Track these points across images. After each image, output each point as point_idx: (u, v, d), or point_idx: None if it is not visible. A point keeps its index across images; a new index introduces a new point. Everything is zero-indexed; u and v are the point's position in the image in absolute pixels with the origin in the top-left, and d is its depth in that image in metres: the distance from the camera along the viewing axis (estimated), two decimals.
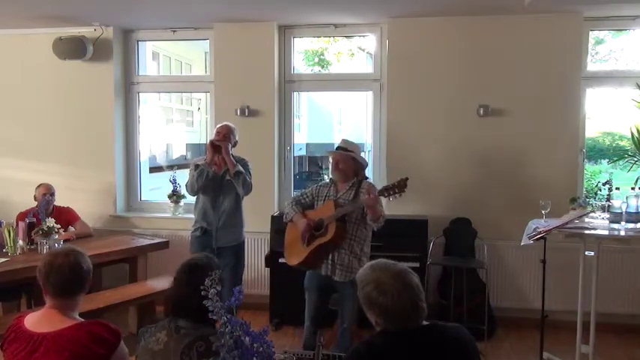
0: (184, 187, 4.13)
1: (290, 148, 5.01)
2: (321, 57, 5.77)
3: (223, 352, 1.42)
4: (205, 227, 3.87)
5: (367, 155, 4.80)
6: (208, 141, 3.93)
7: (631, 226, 3.41)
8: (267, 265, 4.50)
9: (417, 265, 4.04)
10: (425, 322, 1.76)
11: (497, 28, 4.45)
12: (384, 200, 3.29)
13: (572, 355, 3.57)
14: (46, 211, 4.15)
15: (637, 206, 3.44)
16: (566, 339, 3.94)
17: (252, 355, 1.46)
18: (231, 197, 3.84)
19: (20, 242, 3.89)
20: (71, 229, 4.35)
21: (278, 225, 4.24)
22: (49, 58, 4.86)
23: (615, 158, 4.52)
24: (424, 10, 4.31)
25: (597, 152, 5.46)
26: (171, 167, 6.48)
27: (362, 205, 3.25)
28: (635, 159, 4.14)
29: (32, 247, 3.94)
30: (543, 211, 3.64)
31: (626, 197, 3.50)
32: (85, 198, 4.97)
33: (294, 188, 5.03)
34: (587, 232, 3.36)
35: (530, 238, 3.41)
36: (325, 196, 3.48)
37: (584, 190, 4.59)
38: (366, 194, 3.24)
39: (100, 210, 5.05)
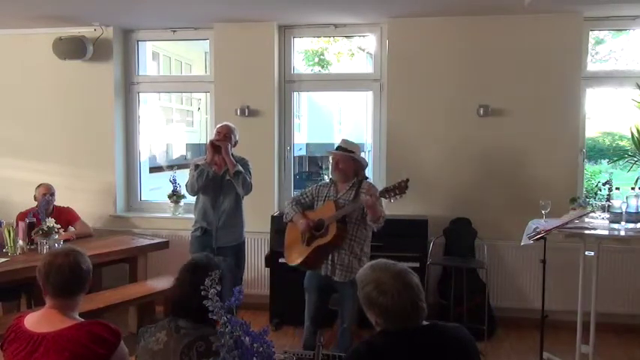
0: (184, 187, 4.13)
1: (290, 148, 5.01)
2: (321, 57, 5.77)
3: (223, 352, 1.42)
4: (205, 227, 3.87)
5: (367, 155, 4.80)
6: (208, 141, 3.93)
7: (631, 226, 3.41)
8: (267, 265, 4.50)
9: (417, 265, 4.04)
10: (425, 322, 1.76)
11: (497, 28, 4.45)
12: (384, 201, 3.29)
13: (572, 355, 3.57)
14: (46, 211, 4.15)
15: (637, 206, 3.44)
16: (566, 339, 3.94)
17: (252, 355, 1.46)
18: (231, 197, 3.84)
19: (20, 242, 3.89)
20: (71, 229, 4.35)
21: (278, 225, 4.24)
22: (49, 58, 4.86)
23: (615, 158, 4.52)
24: (424, 10, 4.31)
25: (597, 152, 5.46)
26: (171, 167, 6.48)
27: (362, 205, 3.25)
28: (635, 159, 4.14)
29: (32, 247, 3.95)
30: (543, 211, 3.64)
31: (626, 197, 3.50)
32: (85, 198, 4.97)
33: (294, 188, 5.03)
34: (587, 232, 3.36)
35: (530, 238, 3.41)
36: (325, 196, 3.48)
37: (584, 190, 4.59)
38: (366, 194, 3.24)
39: (100, 210, 5.05)
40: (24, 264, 3.59)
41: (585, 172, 4.71)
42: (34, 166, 5.09)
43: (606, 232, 3.41)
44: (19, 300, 4.11)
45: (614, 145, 5.55)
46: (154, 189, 5.75)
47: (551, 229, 3.32)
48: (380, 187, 3.53)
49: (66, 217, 4.37)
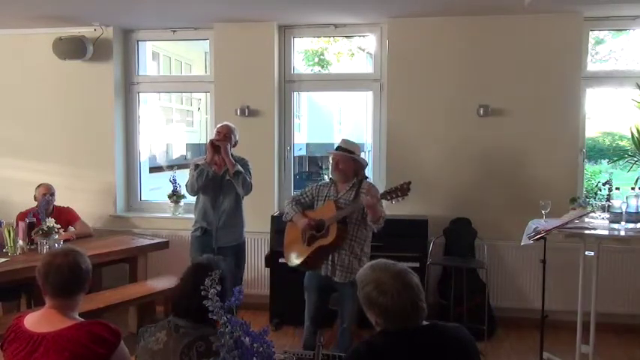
0: (184, 187, 4.13)
1: (290, 148, 5.01)
2: (321, 57, 5.77)
3: (223, 352, 1.42)
4: (205, 227, 3.87)
5: (367, 155, 4.80)
6: (208, 141, 3.93)
7: (631, 226, 3.41)
8: (267, 265, 4.50)
9: (417, 265, 4.04)
10: (425, 322, 1.76)
11: (497, 28, 4.45)
12: (385, 203, 3.28)
13: (572, 355, 3.57)
14: (46, 211, 4.15)
15: (637, 206, 3.44)
16: (566, 339, 3.94)
17: (252, 355, 1.46)
18: (231, 197, 3.84)
19: (20, 242, 3.89)
20: (71, 229, 4.35)
21: (278, 225, 4.24)
22: (49, 58, 4.86)
23: (615, 158, 4.53)
24: (424, 10, 4.31)
25: (597, 152, 5.46)
26: (171, 167, 6.48)
27: (362, 206, 3.25)
28: (635, 159, 4.14)
29: (32, 247, 3.94)
30: (543, 211, 3.64)
31: (626, 197, 3.50)
32: (85, 198, 4.97)
33: (294, 188, 5.03)
34: (587, 232, 3.36)
35: (530, 238, 3.41)
36: (325, 196, 3.48)
37: (584, 190, 4.59)
38: (366, 195, 3.24)
39: (100, 210, 5.05)
40: (24, 264, 3.58)
41: (585, 172, 4.71)
42: (34, 166, 5.09)
43: (606, 232, 3.41)
44: (19, 300, 4.10)
45: (614, 145, 5.55)
46: (154, 189, 5.75)
47: (551, 229, 3.32)
48: (380, 187, 3.53)
49: (66, 217, 4.37)
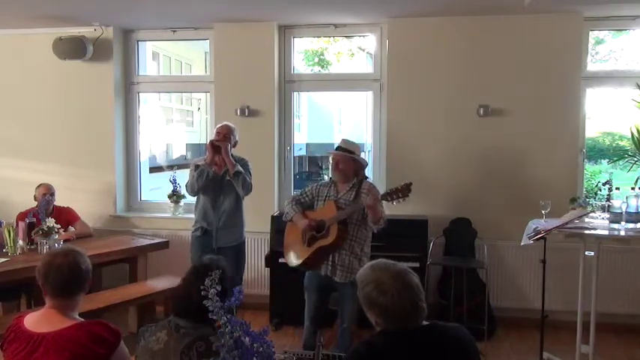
0: (184, 187, 4.13)
1: (290, 148, 5.01)
2: (321, 57, 5.77)
3: (223, 352, 1.42)
4: (206, 227, 3.87)
5: (367, 155, 4.80)
6: (208, 141, 3.93)
7: (631, 226, 3.41)
8: (267, 265, 4.50)
9: (417, 265, 4.04)
10: (425, 322, 1.76)
11: (497, 28, 4.45)
12: (387, 204, 3.28)
13: (572, 355, 3.57)
14: (46, 211, 4.15)
15: (637, 206, 3.44)
16: (566, 339, 3.94)
17: (252, 355, 1.46)
18: (231, 197, 3.84)
19: (20, 242, 3.89)
20: (71, 229, 4.35)
21: (278, 225, 4.24)
22: (49, 58, 4.86)
23: (615, 158, 4.53)
24: (424, 10, 4.31)
25: (597, 152, 5.46)
26: (171, 167, 6.48)
27: (363, 206, 3.25)
28: (635, 159, 4.14)
29: (32, 247, 3.94)
30: (543, 211, 3.64)
31: (626, 197, 3.50)
32: (85, 198, 4.97)
33: (294, 188, 5.03)
34: (587, 232, 3.36)
35: (530, 238, 3.41)
36: (326, 196, 3.48)
37: (584, 190, 4.59)
38: (368, 196, 3.24)
39: (100, 210, 5.05)
40: (24, 264, 3.58)
41: (585, 172, 4.71)
42: (34, 166, 5.09)
43: (606, 232, 3.41)
44: (19, 300, 4.10)
45: (614, 145, 5.55)
46: (154, 189, 5.75)
47: (551, 229, 3.31)
48: (380, 187, 3.53)
49: (66, 217, 4.37)
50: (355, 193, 3.38)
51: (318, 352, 1.97)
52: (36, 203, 4.31)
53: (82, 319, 2.03)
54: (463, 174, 4.53)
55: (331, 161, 3.63)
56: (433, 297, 4.43)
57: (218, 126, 3.94)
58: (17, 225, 3.96)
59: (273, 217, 4.53)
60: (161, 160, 8.67)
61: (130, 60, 5.16)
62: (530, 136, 4.44)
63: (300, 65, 5.38)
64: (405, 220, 4.32)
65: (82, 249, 2.14)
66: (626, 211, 3.44)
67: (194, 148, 9.68)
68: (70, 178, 5.01)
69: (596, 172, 5.16)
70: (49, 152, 5.11)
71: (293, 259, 3.47)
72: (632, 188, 3.63)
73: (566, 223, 3.41)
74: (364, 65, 5.45)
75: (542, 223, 3.52)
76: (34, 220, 4.05)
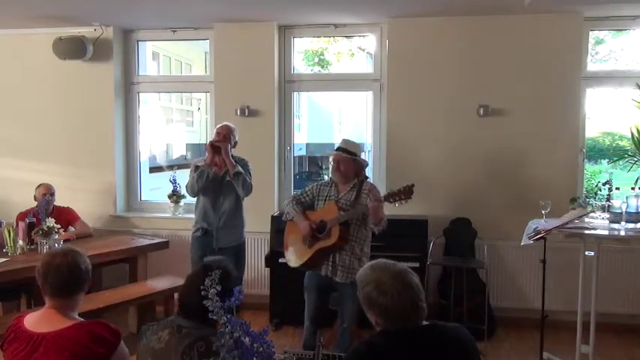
0: (184, 188, 4.13)
1: (290, 148, 5.01)
2: (321, 57, 5.77)
3: (223, 352, 1.42)
4: (206, 228, 3.87)
5: (367, 155, 4.80)
6: (208, 142, 3.92)
7: (631, 226, 3.41)
8: (267, 265, 4.50)
9: (417, 265, 4.04)
10: (425, 322, 1.76)
11: (497, 28, 4.45)
12: (388, 205, 3.28)
13: (572, 355, 3.57)
14: (46, 211, 4.15)
15: (637, 206, 3.44)
16: (566, 339, 3.94)
17: (252, 355, 1.46)
18: (231, 198, 3.84)
19: (20, 242, 3.89)
20: (71, 229, 4.35)
21: (278, 225, 4.24)
22: (49, 58, 4.86)
23: (615, 158, 4.52)
24: (424, 10, 4.31)
25: (597, 152, 5.46)
26: (171, 167, 6.48)
27: (365, 209, 3.25)
28: (635, 159, 4.14)
29: (32, 247, 3.94)
30: (543, 211, 3.64)
31: (626, 197, 3.50)
32: (85, 198, 4.97)
33: (294, 188, 5.02)
34: (587, 232, 3.36)
35: (530, 238, 3.41)
36: (326, 196, 3.47)
37: (584, 190, 4.59)
38: (370, 197, 3.23)
39: (100, 210, 5.05)
40: (24, 264, 3.58)
41: (585, 172, 4.71)
42: (34, 166, 5.09)
43: (606, 232, 3.41)
44: (19, 300, 4.10)
45: (614, 145, 5.55)
46: (154, 189, 5.75)
47: (551, 229, 3.31)
48: (380, 187, 3.52)
49: (66, 217, 4.37)
50: (356, 193, 3.38)
51: (318, 352, 1.96)
52: (36, 203, 4.31)
53: (82, 319, 2.03)
54: (463, 174, 4.53)
55: (332, 162, 3.62)
56: (433, 297, 4.43)
57: (218, 126, 3.94)
58: (17, 225, 3.96)
59: (273, 217, 4.53)
60: (161, 160, 8.67)
61: (130, 60, 5.16)
62: (530, 136, 4.44)
63: (300, 65, 5.38)
64: (405, 220, 4.32)
65: (81, 249, 2.14)
66: (626, 211, 3.44)
67: (194, 148, 9.69)
68: (70, 178, 5.01)
69: (596, 172, 5.16)
70: (49, 152, 5.11)
71: (294, 260, 3.47)
72: (632, 188, 3.63)
73: (566, 223, 3.41)
74: (364, 65, 5.45)
75: (542, 223, 3.52)
76: (34, 220, 4.05)
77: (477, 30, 4.47)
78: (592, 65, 4.68)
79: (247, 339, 1.46)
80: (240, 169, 3.78)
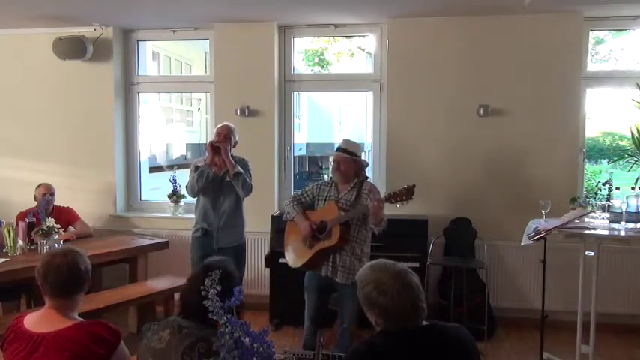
0: (184, 188, 4.13)
1: (290, 148, 5.01)
2: (321, 57, 5.77)
3: (223, 352, 1.42)
4: (206, 228, 3.87)
5: (367, 155, 4.80)
6: (208, 142, 3.92)
7: (631, 226, 3.41)
8: (267, 265, 4.50)
9: (417, 265, 4.04)
10: (425, 322, 1.76)
11: (497, 28, 4.45)
12: (389, 205, 3.28)
13: (572, 355, 3.57)
14: (46, 211, 4.15)
15: (637, 206, 3.44)
16: (566, 339, 3.94)
17: (252, 355, 1.46)
18: (231, 198, 3.84)
19: (20, 242, 3.89)
20: (71, 229, 4.35)
21: (278, 225, 4.24)
22: (49, 58, 4.86)
23: (615, 158, 4.52)
24: (424, 10, 4.31)
25: (597, 152, 5.46)
26: (171, 167, 6.48)
27: (365, 210, 3.25)
28: (635, 159, 4.14)
29: (32, 247, 3.94)
30: (543, 211, 3.64)
31: (626, 197, 3.50)
32: (85, 198, 4.97)
33: (294, 188, 5.02)
34: (587, 232, 3.36)
35: (530, 238, 3.41)
36: (326, 196, 3.47)
37: (584, 190, 4.59)
38: (371, 198, 3.23)
39: (100, 210, 5.05)
40: (24, 264, 3.58)
41: (585, 172, 4.71)
42: (34, 166, 5.09)
43: (606, 232, 3.41)
44: (19, 300, 4.10)
45: (614, 145, 5.55)
46: (154, 189, 5.75)
47: (551, 229, 3.31)
48: (380, 187, 3.52)
49: (66, 217, 4.37)
50: (356, 193, 3.38)
51: (318, 352, 1.96)
52: (36, 203, 4.31)
53: (82, 319, 2.03)
54: (463, 174, 4.53)
55: (332, 162, 3.62)
56: (433, 297, 4.43)
57: (218, 127, 3.93)
58: (17, 225, 3.96)
59: (273, 217, 4.53)
60: (161, 160, 8.68)
61: (130, 60, 5.16)
62: (530, 136, 4.44)
63: (300, 65, 5.38)
64: (405, 220, 4.32)
65: (81, 249, 2.14)
66: (626, 211, 3.44)
67: (194, 148, 9.69)
68: (70, 178, 5.01)
69: (596, 172, 5.16)
70: (49, 152, 5.11)
71: (294, 260, 3.47)
72: (632, 188, 3.63)
73: (566, 223, 3.41)
74: (364, 65, 5.45)
75: (542, 223, 3.52)
76: (34, 220, 4.05)
77: (477, 30, 4.47)
78: (592, 65, 4.68)
79: (247, 339, 1.46)
80: (240, 169, 3.78)
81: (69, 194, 4.74)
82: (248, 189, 3.84)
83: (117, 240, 4.52)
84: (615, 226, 3.44)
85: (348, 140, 3.52)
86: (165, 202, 5.14)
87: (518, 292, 4.49)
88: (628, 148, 4.47)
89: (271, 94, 4.79)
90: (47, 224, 3.85)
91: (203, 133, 6.78)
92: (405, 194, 3.16)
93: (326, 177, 6.69)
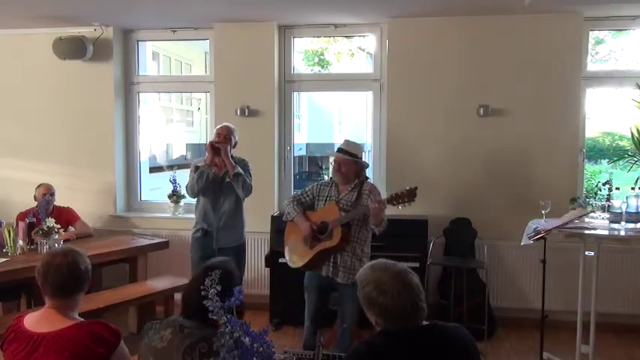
0: (184, 188, 4.13)
1: (290, 148, 5.01)
2: (321, 57, 5.77)
3: (223, 352, 1.42)
4: (206, 228, 3.86)
5: (367, 155, 4.80)
6: (208, 142, 3.92)
7: (631, 226, 3.41)
8: (267, 265, 4.50)
9: (417, 265, 4.05)
10: (425, 322, 1.76)
11: (497, 28, 4.45)
12: (391, 207, 3.27)
13: (572, 355, 3.57)
14: (46, 211, 4.15)
15: (637, 206, 3.44)
16: (566, 339, 3.94)
17: (252, 355, 1.46)
18: (231, 198, 3.84)
19: (20, 242, 3.89)
20: (71, 229, 4.35)
21: (278, 225, 4.24)
22: (49, 58, 4.86)
23: (615, 158, 4.52)
24: (424, 10, 4.31)
25: (597, 152, 5.46)
26: (171, 167, 6.48)
27: (366, 210, 3.25)
28: (635, 159, 4.14)
29: (32, 247, 3.94)
30: (543, 211, 3.64)
31: (626, 197, 3.50)
32: (85, 198, 4.97)
33: (294, 188, 5.02)
34: (587, 232, 3.36)
35: (530, 238, 3.41)
36: (327, 196, 3.46)
37: (584, 190, 4.59)
38: (372, 199, 3.23)
39: (100, 210, 5.05)
40: (24, 264, 3.58)
41: (585, 172, 4.71)
42: (34, 166, 5.09)
43: (606, 232, 3.41)
44: (19, 300, 4.10)
45: (614, 145, 5.56)
46: (154, 189, 5.75)
47: (551, 229, 3.31)
48: (380, 187, 3.52)
49: (66, 217, 4.37)
50: (357, 194, 3.38)
51: (318, 352, 1.96)
52: (36, 203, 4.31)
53: (82, 319, 2.03)
54: (463, 174, 4.53)
55: (333, 163, 3.62)
56: (433, 297, 4.43)
57: (218, 127, 3.93)
58: (17, 225, 3.96)
59: (273, 217, 4.53)
60: (161, 160, 8.69)
61: (130, 60, 5.16)
62: (530, 136, 4.44)
63: (300, 65, 5.38)
64: (405, 220, 4.31)
65: (81, 249, 2.14)
66: (626, 211, 3.44)
67: (194, 148, 9.69)
68: (70, 178, 5.01)
69: (596, 172, 5.16)
70: (49, 152, 5.11)
71: (294, 260, 3.46)
72: (632, 188, 3.63)
73: (566, 223, 3.41)
74: (364, 65, 5.45)
75: (542, 223, 3.52)
76: (34, 220, 4.05)
77: (477, 30, 4.47)
78: (592, 65, 4.68)
79: (247, 339, 1.46)
80: (239, 170, 3.77)
81: (69, 194, 4.74)
82: (248, 189, 3.83)
83: (117, 240, 4.52)
84: (615, 226, 3.44)
85: (349, 141, 3.51)
86: (165, 202, 5.14)
87: (518, 292, 4.49)
88: (628, 148, 4.47)
89: (271, 94, 4.79)
90: (47, 224, 3.85)
91: (203, 133, 6.79)
92: (407, 196, 3.16)
93: (326, 177, 6.69)
